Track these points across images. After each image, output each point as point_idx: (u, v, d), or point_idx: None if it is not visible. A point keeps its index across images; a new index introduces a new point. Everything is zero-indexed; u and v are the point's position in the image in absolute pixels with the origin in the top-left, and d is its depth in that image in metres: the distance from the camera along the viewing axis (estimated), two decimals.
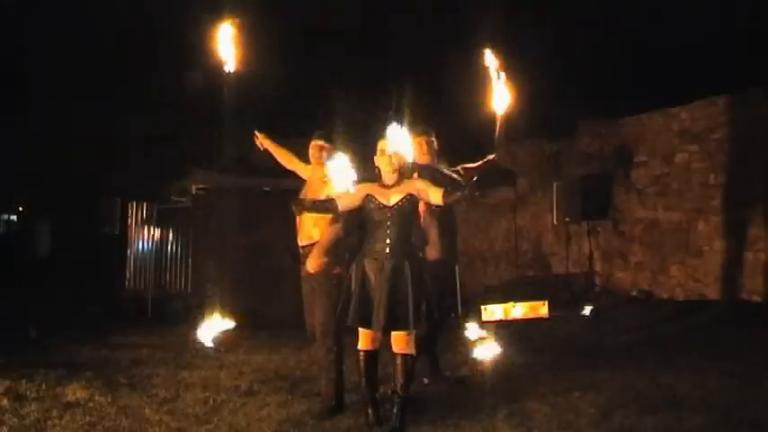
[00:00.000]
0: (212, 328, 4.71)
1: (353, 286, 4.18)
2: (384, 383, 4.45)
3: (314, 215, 4.54)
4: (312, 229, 4.67)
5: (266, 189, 7.77)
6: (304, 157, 4.93)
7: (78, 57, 14.78)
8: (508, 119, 4.45)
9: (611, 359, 5.87)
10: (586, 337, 7.51)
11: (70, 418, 4.33)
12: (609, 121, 11.68)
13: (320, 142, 4.76)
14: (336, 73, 13.36)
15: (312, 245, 4.63)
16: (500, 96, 4.40)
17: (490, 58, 4.42)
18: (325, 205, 4.29)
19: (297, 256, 4.83)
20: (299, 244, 4.77)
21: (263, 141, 5.08)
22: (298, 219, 4.71)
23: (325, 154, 4.69)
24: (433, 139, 5.38)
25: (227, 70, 4.86)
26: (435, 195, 4.18)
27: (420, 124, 5.28)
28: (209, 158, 8.19)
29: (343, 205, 4.25)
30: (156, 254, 11.64)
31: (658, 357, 6.13)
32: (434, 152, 5.36)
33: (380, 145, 4.26)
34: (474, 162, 5.32)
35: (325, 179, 4.47)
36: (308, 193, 4.70)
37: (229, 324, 4.80)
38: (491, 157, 5.14)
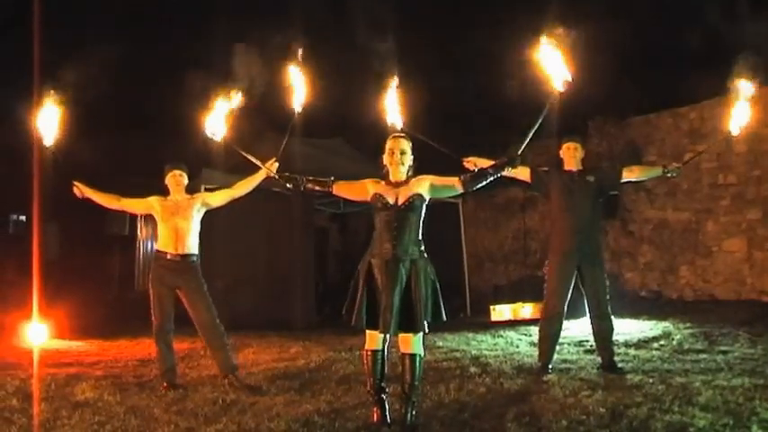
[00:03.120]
0: None
1: (360, 286, 4.15)
2: (393, 383, 4.44)
3: (193, 228, 5.28)
4: (195, 241, 5.32)
5: (275, 190, 7.77)
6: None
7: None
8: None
9: (620, 359, 5.84)
10: None
11: (79, 418, 4.34)
12: (618, 120, 11.64)
13: (179, 172, 5.39)
14: None
15: (190, 255, 5.26)
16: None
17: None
18: (323, 182, 4.34)
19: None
20: (178, 252, 5.24)
21: (83, 191, 5.39)
22: (179, 228, 5.24)
23: (183, 181, 5.39)
24: (579, 145, 5.63)
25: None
26: (451, 185, 4.21)
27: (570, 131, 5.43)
28: (219, 158, 8.18)
29: (338, 188, 4.32)
30: None
31: (668, 357, 6.10)
32: (580, 158, 5.60)
33: (388, 143, 4.25)
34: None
35: (186, 202, 5.30)
36: (167, 220, 5.24)
37: None
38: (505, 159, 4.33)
